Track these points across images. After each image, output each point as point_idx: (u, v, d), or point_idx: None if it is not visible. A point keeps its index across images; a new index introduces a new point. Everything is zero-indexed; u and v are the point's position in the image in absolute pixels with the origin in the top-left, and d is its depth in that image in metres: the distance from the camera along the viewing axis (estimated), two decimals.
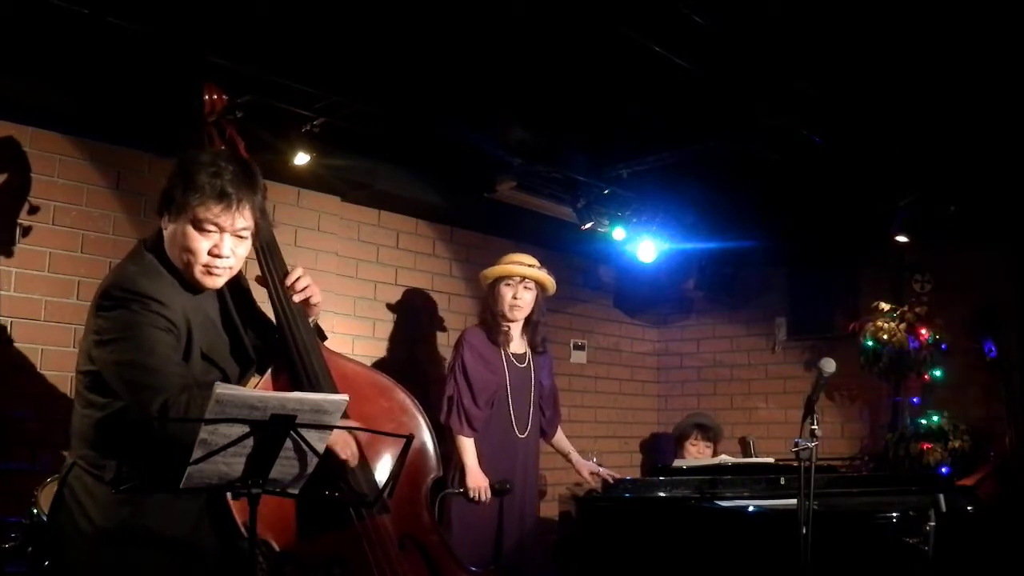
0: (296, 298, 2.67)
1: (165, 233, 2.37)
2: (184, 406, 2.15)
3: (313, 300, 2.70)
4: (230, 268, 2.39)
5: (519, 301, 4.23)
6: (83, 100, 3.70)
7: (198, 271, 2.35)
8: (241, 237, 2.37)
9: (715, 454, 5.60)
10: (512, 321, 4.27)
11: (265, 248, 2.69)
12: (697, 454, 5.69)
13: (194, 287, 2.40)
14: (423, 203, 5.20)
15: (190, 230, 2.30)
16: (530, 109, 4.26)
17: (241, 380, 2.56)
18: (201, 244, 2.31)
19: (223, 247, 2.33)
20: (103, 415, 2.30)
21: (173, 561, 2.35)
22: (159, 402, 2.17)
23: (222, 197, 2.28)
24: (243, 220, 2.34)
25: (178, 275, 2.38)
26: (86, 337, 2.36)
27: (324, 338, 2.82)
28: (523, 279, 4.25)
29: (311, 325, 2.73)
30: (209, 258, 2.33)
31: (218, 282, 2.40)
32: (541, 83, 3.91)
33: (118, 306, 2.27)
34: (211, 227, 2.31)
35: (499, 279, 4.25)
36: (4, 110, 3.70)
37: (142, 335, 2.25)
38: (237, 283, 2.57)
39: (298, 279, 2.67)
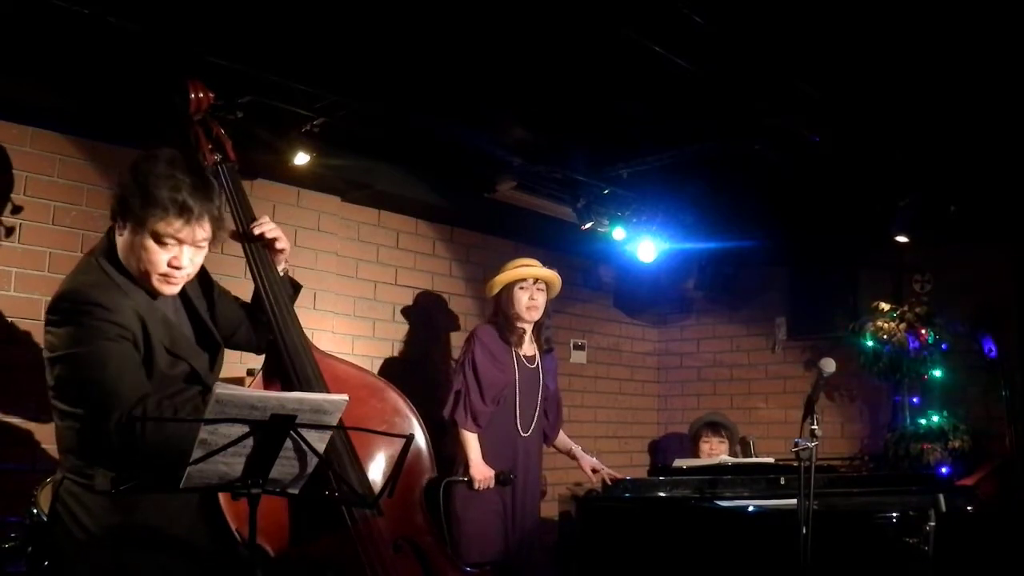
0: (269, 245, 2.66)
1: (119, 239, 2.36)
2: (141, 416, 2.15)
3: (279, 246, 2.68)
4: (187, 275, 2.39)
5: (535, 302, 4.28)
6: (83, 100, 3.70)
7: (155, 280, 2.34)
8: (200, 247, 2.37)
9: (731, 452, 5.61)
10: (529, 323, 4.31)
11: (235, 196, 2.68)
12: (710, 451, 5.69)
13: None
14: (423, 203, 5.20)
15: (149, 243, 2.29)
16: (530, 109, 4.26)
17: (212, 366, 2.54)
18: (160, 257, 2.31)
19: (182, 259, 2.33)
20: (83, 425, 2.29)
21: (170, 564, 2.35)
22: (115, 418, 2.17)
23: (183, 211, 2.27)
24: (203, 232, 2.34)
25: (133, 278, 2.36)
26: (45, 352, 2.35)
27: (298, 288, 2.81)
28: (536, 280, 4.29)
29: (282, 275, 2.71)
30: (168, 269, 2.32)
31: (175, 290, 2.40)
32: (541, 83, 3.90)
33: (66, 320, 2.26)
34: (171, 241, 2.30)
35: (512, 283, 4.29)
36: (4, 110, 3.70)
37: (92, 350, 2.22)
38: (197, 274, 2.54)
39: (265, 228, 2.64)
